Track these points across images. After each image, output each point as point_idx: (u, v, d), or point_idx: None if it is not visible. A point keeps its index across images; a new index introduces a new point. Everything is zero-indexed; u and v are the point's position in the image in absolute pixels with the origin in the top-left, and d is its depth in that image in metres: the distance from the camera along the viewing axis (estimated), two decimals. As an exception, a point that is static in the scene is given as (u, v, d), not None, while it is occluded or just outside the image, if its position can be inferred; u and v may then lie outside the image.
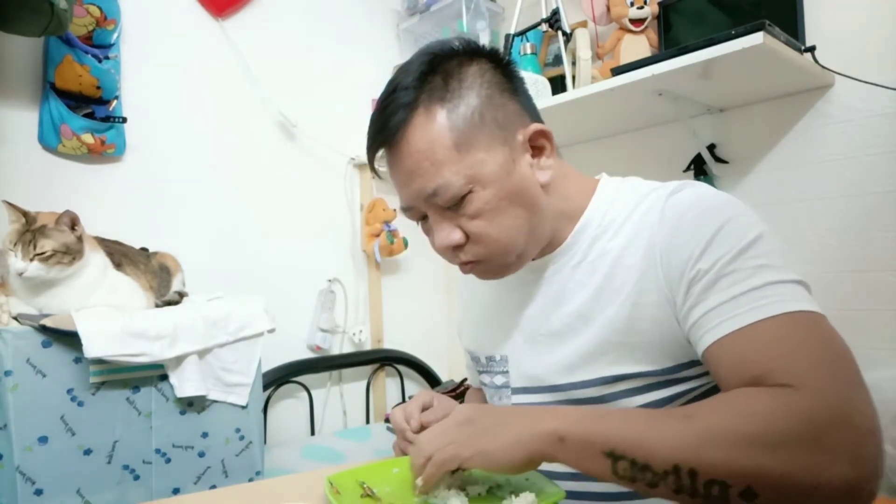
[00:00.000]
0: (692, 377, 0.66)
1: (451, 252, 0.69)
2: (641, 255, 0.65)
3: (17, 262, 1.10)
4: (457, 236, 0.67)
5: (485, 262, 0.70)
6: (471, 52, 0.69)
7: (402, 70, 0.68)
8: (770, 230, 0.62)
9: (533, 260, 0.75)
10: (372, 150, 0.70)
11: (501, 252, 0.68)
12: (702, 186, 0.67)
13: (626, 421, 0.56)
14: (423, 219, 0.72)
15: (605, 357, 0.67)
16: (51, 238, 1.12)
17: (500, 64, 0.70)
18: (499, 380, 0.80)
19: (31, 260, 1.10)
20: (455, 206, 0.66)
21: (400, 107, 0.65)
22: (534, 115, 0.72)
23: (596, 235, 0.71)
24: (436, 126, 0.64)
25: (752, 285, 0.57)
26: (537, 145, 0.70)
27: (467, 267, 0.71)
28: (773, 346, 0.55)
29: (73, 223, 1.17)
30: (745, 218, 0.62)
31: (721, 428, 0.51)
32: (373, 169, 0.72)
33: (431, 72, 0.66)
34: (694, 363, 0.65)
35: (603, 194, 0.74)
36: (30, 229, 1.12)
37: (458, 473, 0.64)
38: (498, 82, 0.68)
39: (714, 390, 0.67)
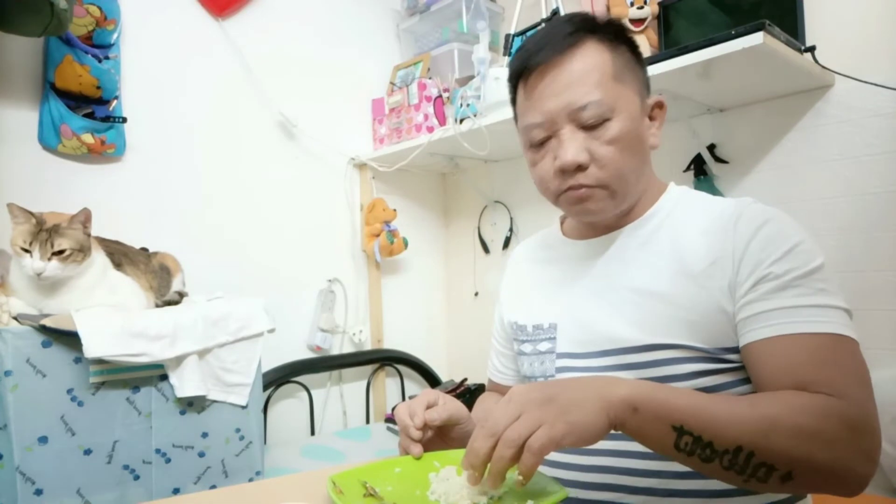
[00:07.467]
0: (732, 361, 0.71)
1: (570, 173, 0.75)
2: (713, 248, 0.72)
3: (34, 262, 1.10)
4: (584, 156, 0.74)
5: (598, 188, 0.75)
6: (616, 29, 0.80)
7: (566, 15, 0.80)
8: None
9: (596, 237, 0.83)
10: (530, 58, 0.76)
11: (617, 181, 0.75)
12: (770, 206, 0.75)
13: (694, 399, 0.60)
14: (542, 143, 0.77)
15: (663, 328, 0.73)
16: (66, 237, 1.13)
17: (634, 49, 0.80)
18: (543, 346, 0.84)
19: (50, 259, 1.10)
20: (593, 127, 0.74)
21: (576, 29, 0.75)
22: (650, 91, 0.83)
23: (662, 221, 0.79)
24: (604, 56, 0.75)
25: (812, 302, 0.66)
26: (653, 115, 0.81)
27: (580, 192, 0.76)
28: (820, 358, 0.63)
29: (86, 221, 1.17)
30: (813, 243, 0.70)
31: (784, 419, 0.58)
32: (515, 80, 0.80)
33: (596, 25, 0.77)
34: (738, 349, 0.71)
35: (674, 191, 0.83)
36: (43, 229, 1.12)
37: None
38: (636, 56, 0.80)
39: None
